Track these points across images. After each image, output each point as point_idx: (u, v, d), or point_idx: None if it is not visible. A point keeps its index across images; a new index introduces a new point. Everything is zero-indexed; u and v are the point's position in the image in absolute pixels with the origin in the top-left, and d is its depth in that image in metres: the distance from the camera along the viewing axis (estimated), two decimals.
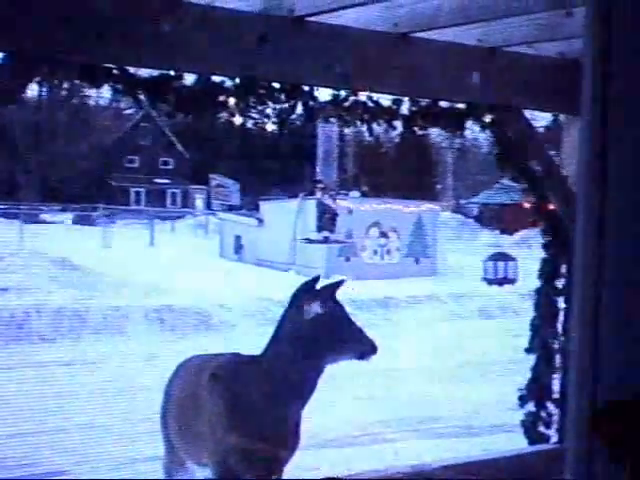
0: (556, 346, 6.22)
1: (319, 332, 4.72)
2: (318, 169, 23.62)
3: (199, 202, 42.74)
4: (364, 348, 4.76)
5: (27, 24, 3.93)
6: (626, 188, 1.47)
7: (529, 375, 6.35)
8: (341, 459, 8.62)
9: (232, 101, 4.74)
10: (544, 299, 6.30)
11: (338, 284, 4.96)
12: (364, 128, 5.39)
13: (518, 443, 6.40)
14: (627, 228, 1.47)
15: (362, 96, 5.17)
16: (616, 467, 1.50)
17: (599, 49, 1.46)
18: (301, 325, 4.72)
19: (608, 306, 1.48)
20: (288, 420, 4.77)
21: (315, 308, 4.71)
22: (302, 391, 4.77)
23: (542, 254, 6.33)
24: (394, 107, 5.35)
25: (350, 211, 23.40)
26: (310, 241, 22.28)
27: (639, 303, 1.47)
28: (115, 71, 4.38)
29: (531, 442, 6.31)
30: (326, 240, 22.37)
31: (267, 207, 27.27)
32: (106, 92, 4.60)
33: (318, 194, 22.91)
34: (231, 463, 4.74)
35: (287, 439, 4.80)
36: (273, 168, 38.51)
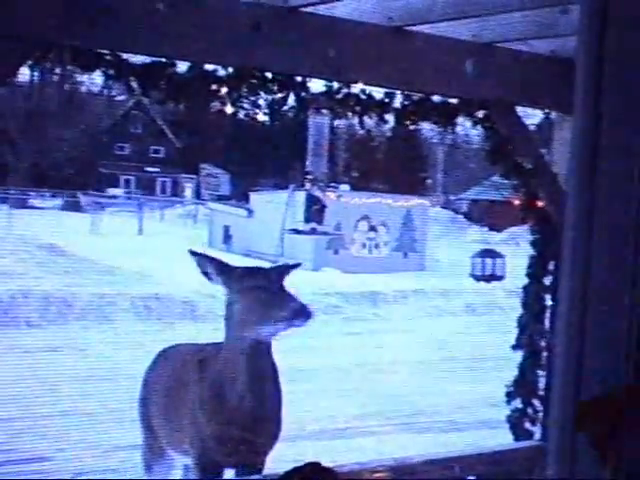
0: (543, 343, 6.23)
1: (242, 304, 4.73)
2: (308, 161, 23.59)
3: (189, 191, 42.67)
4: (291, 312, 4.67)
5: (19, 7, 3.90)
6: (615, 187, 1.47)
7: (515, 372, 6.36)
8: (325, 451, 8.62)
9: (224, 90, 4.73)
10: (531, 296, 6.30)
11: (292, 266, 5.04)
12: (356, 121, 5.38)
13: (503, 439, 6.41)
14: (614, 228, 1.46)
15: (355, 88, 5.16)
16: (598, 464, 1.51)
17: (593, 48, 1.45)
18: (226, 303, 4.76)
19: (594, 305, 1.48)
20: (262, 403, 4.77)
21: (235, 283, 4.75)
22: (257, 370, 4.75)
23: (530, 251, 6.34)
24: (386, 100, 5.33)
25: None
26: (297, 232, 22.28)
27: (623, 303, 1.47)
28: (107, 57, 4.36)
29: (517, 438, 6.32)
30: (313, 231, 22.36)
31: (257, 198, 27.25)
32: (98, 78, 4.58)
33: (307, 185, 22.92)
34: (215, 451, 4.74)
35: (267, 423, 4.81)
36: (264, 159, 38.46)
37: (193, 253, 4.93)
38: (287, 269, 5.02)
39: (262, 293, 4.74)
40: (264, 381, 4.78)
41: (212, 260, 4.88)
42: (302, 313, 4.67)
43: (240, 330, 4.73)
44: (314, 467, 2.42)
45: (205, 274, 4.86)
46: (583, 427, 1.51)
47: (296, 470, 2.41)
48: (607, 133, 1.46)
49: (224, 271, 4.82)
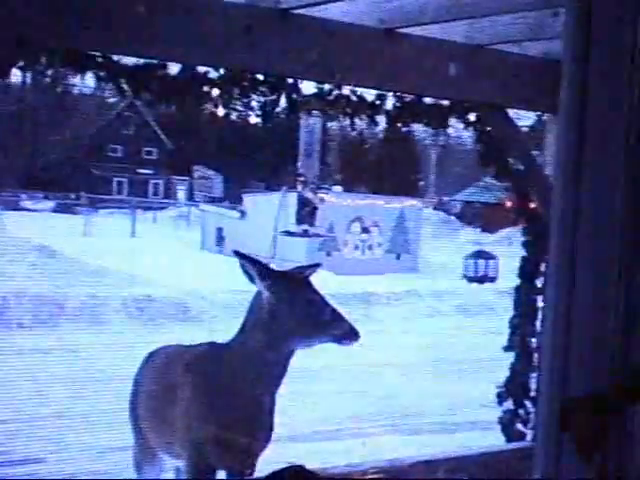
0: (534, 344, 6.24)
1: (286, 314, 4.71)
2: (300, 162, 23.59)
3: (181, 193, 42.58)
4: (340, 332, 4.73)
5: (9, 8, 3.90)
6: (601, 185, 1.48)
7: (507, 373, 6.37)
8: (316, 453, 8.62)
9: (216, 92, 4.73)
10: (523, 297, 6.31)
11: (311, 267, 5.03)
12: (347, 122, 5.39)
13: (495, 440, 6.42)
14: (600, 225, 1.47)
15: (346, 90, 5.17)
16: (584, 463, 1.51)
17: (578, 50, 1.46)
18: (268, 308, 4.71)
19: (580, 304, 1.49)
20: (261, 406, 4.77)
21: (283, 290, 4.72)
22: (272, 375, 4.76)
23: (522, 252, 6.35)
24: (378, 102, 5.35)
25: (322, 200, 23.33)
26: (290, 234, 22.26)
27: (609, 301, 1.48)
28: (99, 58, 4.36)
29: (508, 439, 6.33)
30: (306, 233, 22.34)
31: (250, 200, 27.23)
32: (90, 80, 4.58)
33: (299, 187, 22.90)
34: (206, 453, 4.74)
35: (262, 426, 4.81)
36: (256, 161, 38.41)
37: (237, 254, 4.85)
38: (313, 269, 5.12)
39: (312, 307, 4.74)
40: (268, 384, 4.79)
41: (254, 261, 4.80)
42: (352, 334, 4.74)
43: (277, 336, 4.70)
44: (296, 470, 2.42)
45: (248, 275, 4.78)
46: (568, 427, 1.52)
47: (278, 472, 2.41)
48: (592, 131, 1.47)
49: (266, 274, 4.75)
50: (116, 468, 7.41)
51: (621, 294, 1.48)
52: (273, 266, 5.17)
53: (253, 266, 4.74)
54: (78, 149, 41.07)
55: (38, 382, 10.04)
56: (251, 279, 4.77)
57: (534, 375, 6.22)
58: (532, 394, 6.25)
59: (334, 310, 4.83)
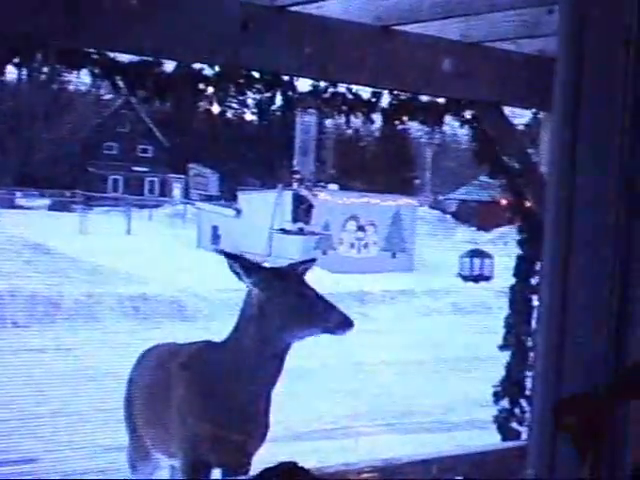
0: (529, 343, 6.23)
1: (278, 310, 4.72)
2: (296, 160, 23.59)
3: (177, 191, 42.60)
4: (333, 321, 4.74)
5: (4, 5, 3.89)
6: (594, 185, 1.47)
7: (502, 372, 6.36)
8: (313, 452, 8.62)
9: (211, 90, 4.72)
10: (518, 296, 6.30)
11: (305, 263, 5.05)
12: (343, 120, 5.38)
13: (490, 439, 6.41)
14: (594, 226, 1.47)
15: (341, 88, 5.15)
16: (577, 460, 1.51)
17: (573, 47, 1.46)
18: (259, 305, 4.72)
19: (574, 301, 1.49)
20: (257, 405, 4.77)
21: (274, 286, 4.74)
22: (267, 373, 4.76)
23: (518, 251, 6.34)
24: (373, 100, 5.33)
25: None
26: (285, 232, 22.26)
27: (603, 298, 1.48)
28: (94, 55, 4.35)
29: (504, 438, 6.32)
30: (301, 231, 22.34)
31: (245, 197, 27.24)
32: (85, 77, 4.56)
33: (295, 185, 22.91)
34: (202, 452, 4.73)
35: (257, 425, 4.80)
36: (252, 158, 38.40)
37: (224, 253, 4.88)
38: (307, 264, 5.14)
39: (302, 300, 4.75)
40: (263, 383, 4.79)
41: (241, 260, 4.83)
42: (346, 324, 4.74)
43: (270, 332, 4.70)
44: (288, 467, 2.41)
45: (236, 274, 4.80)
46: (561, 426, 1.51)
47: (270, 470, 2.40)
48: (587, 129, 1.46)
49: (254, 272, 4.77)
50: (112, 467, 7.41)
51: (615, 293, 1.48)
52: (266, 264, 5.17)
53: (240, 265, 4.75)
54: (73, 146, 41.06)
55: (33, 380, 10.04)
56: (240, 278, 4.77)
57: (530, 374, 6.21)
58: (528, 393, 6.24)
59: (326, 301, 4.83)
